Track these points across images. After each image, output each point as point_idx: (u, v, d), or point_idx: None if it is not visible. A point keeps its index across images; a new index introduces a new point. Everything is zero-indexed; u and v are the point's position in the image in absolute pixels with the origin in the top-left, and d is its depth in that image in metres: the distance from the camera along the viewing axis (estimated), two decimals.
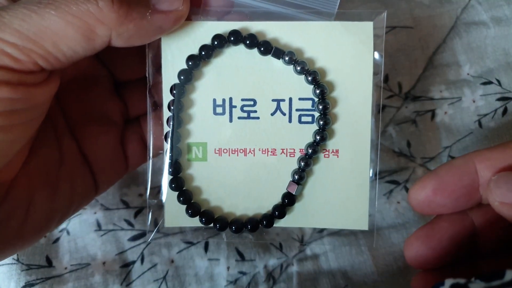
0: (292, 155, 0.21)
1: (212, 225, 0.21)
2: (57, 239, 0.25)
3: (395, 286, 0.26)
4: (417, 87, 0.31)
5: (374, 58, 0.20)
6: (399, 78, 0.31)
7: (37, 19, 0.14)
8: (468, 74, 0.31)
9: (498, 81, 0.31)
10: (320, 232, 0.28)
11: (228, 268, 0.25)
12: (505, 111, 0.31)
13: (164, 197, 0.21)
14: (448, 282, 0.17)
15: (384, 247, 0.27)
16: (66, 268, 0.24)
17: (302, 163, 0.21)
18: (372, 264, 0.27)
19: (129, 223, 0.26)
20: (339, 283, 0.26)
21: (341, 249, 0.27)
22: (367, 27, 0.20)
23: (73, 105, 0.21)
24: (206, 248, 0.26)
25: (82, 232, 0.25)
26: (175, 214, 0.21)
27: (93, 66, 0.22)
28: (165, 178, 0.21)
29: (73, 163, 0.20)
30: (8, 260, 0.24)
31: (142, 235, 0.25)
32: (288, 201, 0.21)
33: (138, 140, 0.23)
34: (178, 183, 0.21)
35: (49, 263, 0.24)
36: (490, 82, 0.31)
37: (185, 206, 0.21)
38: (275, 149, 0.21)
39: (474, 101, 0.31)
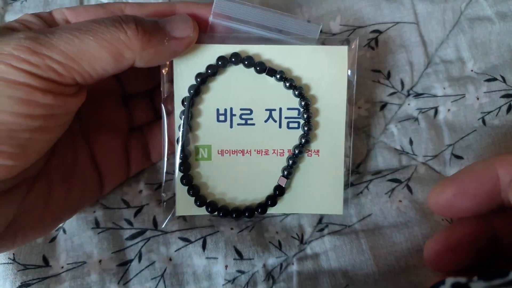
0: (282, 155, 0.26)
1: (216, 213, 0.25)
2: (54, 238, 0.25)
3: (397, 286, 0.26)
4: (420, 83, 0.31)
5: (348, 75, 0.25)
6: (402, 75, 0.31)
7: (78, 42, 0.17)
8: (472, 70, 0.31)
9: (503, 77, 0.30)
10: (321, 231, 0.27)
11: (226, 266, 0.25)
12: (509, 108, 0.30)
13: (176, 190, 0.25)
14: (449, 281, 0.17)
15: (385, 247, 0.27)
16: (62, 267, 0.24)
17: (290, 161, 0.26)
18: (374, 264, 0.26)
19: (129, 222, 0.25)
20: (340, 283, 0.26)
21: (342, 248, 0.27)
22: (342, 50, 0.25)
23: (87, 112, 0.24)
24: (204, 246, 0.25)
25: (79, 230, 0.25)
26: (185, 204, 0.25)
27: (108, 80, 0.24)
28: (177, 175, 0.25)
29: (85, 164, 0.23)
30: (3, 259, 0.24)
31: (140, 233, 0.25)
32: (279, 192, 0.26)
33: (140, 147, 0.27)
34: (188, 179, 0.25)
35: (46, 262, 0.24)
36: (494, 79, 0.30)
37: (193, 198, 0.25)
38: (268, 150, 0.26)
39: (478, 98, 0.30)
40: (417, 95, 0.30)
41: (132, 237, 0.25)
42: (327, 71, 0.25)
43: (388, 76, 0.31)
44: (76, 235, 0.25)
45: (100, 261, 0.24)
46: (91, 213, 0.25)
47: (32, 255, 0.24)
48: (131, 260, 0.25)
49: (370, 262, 0.26)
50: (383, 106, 0.30)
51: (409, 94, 0.31)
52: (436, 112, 0.30)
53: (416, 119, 0.30)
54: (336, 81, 0.25)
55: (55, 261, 0.24)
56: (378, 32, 0.31)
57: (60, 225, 0.25)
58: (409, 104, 0.30)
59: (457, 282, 0.17)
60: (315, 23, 0.25)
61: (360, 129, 0.30)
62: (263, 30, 0.24)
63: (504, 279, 0.15)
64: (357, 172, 0.29)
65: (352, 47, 0.25)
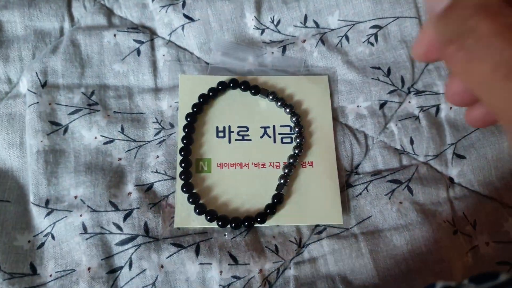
0: (278, 167, 0.27)
1: (215, 222, 0.25)
2: (42, 244, 0.24)
3: None
4: (421, 80, 0.30)
5: (331, 97, 0.29)
6: (402, 72, 0.29)
7: None
8: None
9: None
10: (319, 233, 0.26)
11: (220, 272, 0.24)
12: None
13: (176, 200, 0.25)
14: (439, 284, 0.17)
15: (385, 250, 0.26)
16: (51, 276, 0.23)
17: (286, 170, 0.27)
18: (373, 268, 0.26)
19: (118, 227, 0.24)
20: None
21: (340, 252, 0.26)
22: (324, 78, 0.30)
23: None
24: (197, 252, 0.24)
25: (67, 237, 0.24)
26: (184, 215, 0.25)
27: None
28: (178, 184, 0.26)
29: None
30: None
31: (131, 239, 0.24)
32: (277, 200, 0.26)
33: None
34: (189, 187, 0.26)
35: (34, 270, 0.23)
36: None
37: (193, 206, 0.25)
38: (264, 163, 0.27)
39: None
40: (418, 93, 0.29)
41: (122, 243, 0.24)
42: (312, 95, 0.29)
43: (388, 73, 0.30)
44: (64, 242, 0.24)
45: (89, 268, 0.23)
46: (77, 217, 0.24)
47: (18, 263, 0.23)
48: (121, 267, 0.24)
49: (370, 266, 0.26)
50: (383, 104, 0.29)
51: (409, 92, 0.30)
52: (437, 110, 0.29)
53: (417, 118, 0.29)
54: (321, 102, 0.29)
55: (43, 269, 0.23)
56: (378, 27, 0.30)
57: (49, 230, 0.24)
58: (409, 102, 0.29)
59: (448, 285, 0.17)
60: (299, 58, 0.30)
61: (359, 129, 0.29)
62: (257, 67, 0.30)
63: (494, 282, 0.15)
64: (356, 173, 0.28)
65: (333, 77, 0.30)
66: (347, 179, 0.28)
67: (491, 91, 0.12)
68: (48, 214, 0.24)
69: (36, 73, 0.28)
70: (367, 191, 0.27)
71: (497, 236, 0.27)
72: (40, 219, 0.24)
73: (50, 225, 0.24)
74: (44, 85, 0.28)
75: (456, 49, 0.13)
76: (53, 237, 0.24)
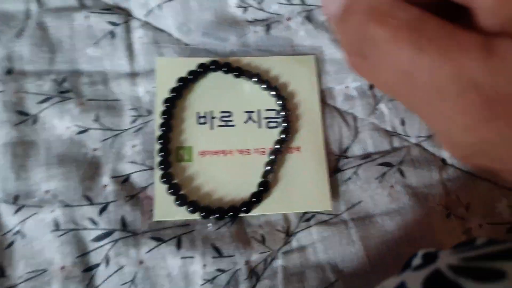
0: (263, 153, 0.26)
1: (198, 213, 0.23)
2: (11, 244, 0.22)
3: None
4: None
5: (318, 78, 0.28)
6: None
7: None
8: None
9: None
10: (307, 221, 0.25)
11: (204, 266, 0.23)
12: None
13: (155, 191, 0.24)
14: (421, 252, 0.18)
15: (377, 236, 0.25)
16: (20, 277, 0.22)
17: (272, 156, 0.26)
18: (364, 255, 0.25)
19: (93, 222, 0.23)
20: (328, 277, 0.24)
21: (330, 240, 0.25)
22: (311, 58, 0.28)
23: None
24: (178, 245, 0.23)
25: (38, 234, 0.22)
26: (164, 207, 0.24)
27: None
28: (157, 175, 0.24)
29: None
30: None
31: (107, 234, 0.23)
32: (263, 187, 0.25)
33: None
34: (168, 177, 0.24)
35: (1, 272, 0.22)
36: None
37: (174, 197, 0.24)
38: (249, 149, 0.26)
39: None
40: None
41: (98, 238, 0.23)
42: (299, 76, 0.28)
43: None
44: (35, 239, 0.22)
45: (62, 267, 0.22)
46: (48, 213, 0.23)
47: None
48: (97, 265, 0.22)
49: (361, 254, 0.25)
50: (373, 84, 0.28)
51: None
52: None
53: None
54: (308, 84, 0.28)
55: (12, 270, 0.22)
56: None
57: (18, 228, 0.23)
58: None
59: (428, 253, 0.17)
60: (284, 38, 0.29)
61: (348, 111, 0.28)
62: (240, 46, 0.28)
63: (472, 246, 0.16)
64: (345, 157, 0.27)
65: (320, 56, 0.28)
66: (336, 163, 0.27)
67: (401, 98, 0.11)
68: (17, 211, 0.23)
69: (1, 59, 0.26)
70: (357, 175, 0.26)
71: (490, 218, 0.27)
72: (8, 217, 0.23)
73: (20, 222, 0.23)
74: (9, 72, 0.26)
75: (360, 59, 0.12)
76: (22, 236, 0.23)
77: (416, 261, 0.17)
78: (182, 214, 0.24)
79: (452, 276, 0.13)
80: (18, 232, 0.23)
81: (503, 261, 0.13)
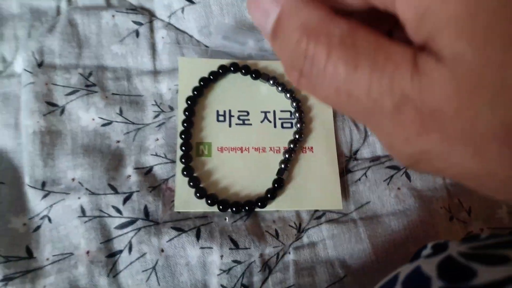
0: (278, 152, 0.27)
1: (216, 206, 0.25)
2: (38, 227, 0.23)
3: None
4: None
5: None
6: None
7: None
8: None
9: None
10: (318, 218, 0.27)
11: (221, 256, 0.24)
12: None
13: (176, 183, 0.25)
14: (430, 244, 0.19)
15: (384, 235, 0.26)
16: (48, 259, 0.23)
17: (287, 155, 0.27)
18: (372, 253, 0.26)
19: (118, 210, 0.24)
20: (337, 273, 0.25)
21: (339, 237, 0.26)
22: None
23: None
24: (198, 236, 0.24)
25: (65, 220, 0.23)
26: (184, 199, 0.25)
27: None
28: (178, 168, 0.25)
29: None
30: None
31: (131, 222, 0.24)
32: (278, 184, 0.26)
33: None
34: (189, 170, 0.25)
35: (30, 254, 0.23)
36: None
37: (194, 189, 0.25)
38: (265, 148, 0.27)
39: None
40: None
41: (121, 226, 0.24)
42: None
43: None
44: (61, 225, 0.23)
45: (88, 252, 0.23)
46: (75, 199, 0.24)
47: (14, 247, 0.23)
48: (120, 251, 0.23)
49: (369, 251, 0.26)
50: None
51: None
52: None
53: None
54: None
55: (39, 252, 0.23)
56: None
57: (45, 213, 0.24)
58: None
59: (437, 243, 0.18)
60: None
61: None
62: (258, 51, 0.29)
63: (478, 240, 0.17)
64: (354, 159, 0.28)
65: None
66: (346, 164, 0.28)
67: (344, 112, 0.11)
68: (44, 196, 0.24)
69: (32, 52, 0.27)
70: (366, 176, 0.28)
71: (491, 223, 0.28)
72: (36, 202, 0.24)
73: (47, 207, 0.24)
74: (40, 64, 0.27)
75: (298, 75, 0.11)
76: (49, 220, 0.24)
77: (426, 251, 0.19)
78: (201, 206, 0.25)
79: (463, 261, 0.15)
80: (45, 216, 0.24)
81: (506, 249, 0.15)
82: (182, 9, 0.30)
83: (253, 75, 0.28)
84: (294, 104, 0.28)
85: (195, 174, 0.25)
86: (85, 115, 0.27)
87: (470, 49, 0.08)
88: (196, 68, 0.28)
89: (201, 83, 0.28)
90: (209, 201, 0.25)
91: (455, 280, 0.14)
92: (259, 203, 0.25)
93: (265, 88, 0.29)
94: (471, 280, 0.13)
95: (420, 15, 0.09)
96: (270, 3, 0.11)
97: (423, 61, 0.09)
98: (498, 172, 0.09)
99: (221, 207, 0.25)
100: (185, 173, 0.25)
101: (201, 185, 0.25)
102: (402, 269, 0.18)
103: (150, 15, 0.30)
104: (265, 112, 0.28)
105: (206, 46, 0.30)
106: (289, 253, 0.26)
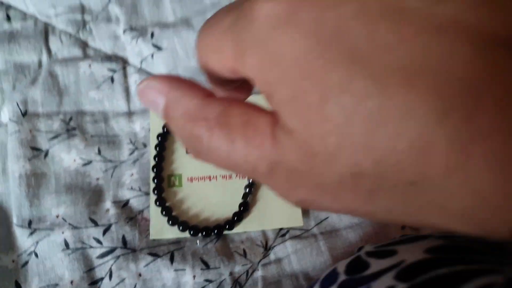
0: (243, 178, 0.30)
1: (187, 231, 0.28)
2: (26, 263, 0.26)
3: None
4: None
5: None
6: None
7: None
8: None
9: None
10: (283, 236, 0.29)
11: (194, 276, 0.27)
12: None
13: (150, 213, 0.28)
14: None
15: (342, 247, 0.29)
16: None
17: (250, 180, 0.30)
18: (332, 264, 0.29)
19: (98, 241, 0.27)
20: (301, 284, 0.28)
21: (302, 251, 0.29)
22: None
23: None
24: (172, 259, 0.27)
25: (50, 253, 0.26)
26: (159, 227, 0.28)
27: None
28: (152, 199, 0.28)
29: None
30: None
31: (110, 251, 0.26)
32: (243, 207, 0.29)
33: None
34: (162, 201, 0.28)
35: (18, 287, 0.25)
36: None
37: (166, 218, 0.28)
38: (231, 175, 0.30)
39: None
40: None
41: (102, 255, 0.26)
42: None
43: None
44: (47, 259, 0.26)
45: (71, 281, 0.25)
46: (59, 234, 0.26)
47: (4, 282, 0.25)
48: (102, 278, 0.26)
49: (329, 263, 0.29)
50: None
51: None
52: None
53: None
54: None
55: (27, 286, 0.25)
56: None
57: (32, 249, 0.26)
58: None
59: (360, 247, 0.21)
60: None
61: None
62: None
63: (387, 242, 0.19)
64: None
65: None
66: None
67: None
68: (31, 234, 0.26)
69: (17, 103, 0.30)
70: None
71: (440, 231, 0.31)
72: (23, 239, 0.26)
73: (33, 244, 0.26)
74: (24, 114, 0.30)
75: (193, 152, 0.13)
76: (36, 255, 0.26)
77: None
78: (174, 232, 0.27)
79: (364, 258, 0.18)
80: (32, 252, 0.26)
81: (397, 245, 0.18)
82: (152, 55, 0.34)
83: None
84: None
85: (167, 204, 0.28)
86: (67, 156, 0.30)
87: (301, 125, 0.10)
88: None
89: None
90: (181, 228, 0.27)
91: (354, 273, 0.17)
92: (227, 226, 0.28)
93: None
94: (365, 271, 0.16)
95: (268, 92, 0.11)
96: (156, 95, 0.13)
97: (277, 131, 0.11)
98: (359, 212, 0.11)
99: (192, 232, 0.28)
100: (158, 203, 0.28)
101: (173, 214, 0.28)
102: (325, 272, 0.21)
103: (123, 62, 0.34)
104: None
105: None
106: (258, 270, 0.28)
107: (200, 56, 0.13)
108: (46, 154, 0.29)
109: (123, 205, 0.28)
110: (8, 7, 0.34)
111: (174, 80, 0.13)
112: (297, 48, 0.10)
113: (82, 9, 0.34)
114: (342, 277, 0.18)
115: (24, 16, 0.34)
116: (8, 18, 0.33)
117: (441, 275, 0.15)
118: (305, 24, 0.10)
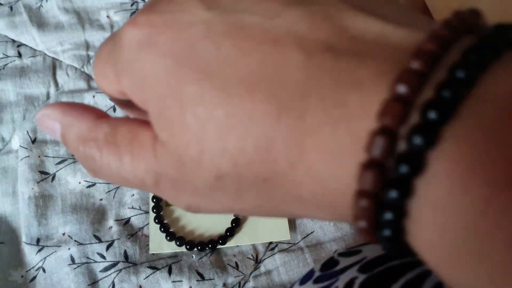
0: None
1: (184, 246, 0.30)
2: (34, 278, 0.28)
3: None
4: None
5: None
6: None
7: None
8: None
9: None
10: (272, 250, 0.32)
11: (190, 287, 0.29)
12: None
13: (150, 230, 0.30)
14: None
15: (327, 258, 0.32)
16: None
17: None
18: None
19: (102, 256, 0.29)
20: None
21: (290, 263, 0.31)
22: None
23: None
24: (170, 272, 0.29)
25: (57, 268, 0.28)
26: (157, 243, 0.30)
27: None
28: (151, 217, 0.30)
29: None
30: None
31: (113, 265, 0.29)
32: (235, 223, 0.31)
33: None
34: (160, 218, 0.30)
35: None
36: None
37: (164, 234, 0.30)
38: None
39: None
40: None
41: (105, 269, 0.28)
42: None
43: None
44: (54, 273, 0.28)
45: None
46: (66, 250, 0.29)
47: None
48: None
49: None
50: None
51: None
52: None
53: None
54: None
55: None
56: None
57: (40, 265, 0.28)
58: None
59: (340, 252, 0.24)
60: None
61: None
62: None
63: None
64: None
65: None
66: None
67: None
68: (39, 250, 0.29)
69: (27, 131, 0.33)
70: None
71: None
72: (32, 256, 0.29)
73: (41, 260, 0.28)
74: (34, 141, 0.33)
75: (90, 171, 0.14)
76: (44, 270, 0.28)
77: None
78: (171, 247, 0.30)
79: (336, 257, 0.21)
80: (40, 268, 0.28)
81: (363, 246, 0.21)
82: None
83: None
84: None
85: (165, 221, 0.31)
86: (72, 179, 0.32)
87: (169, 137, 0.11)
88: None
89: None
90: (178, 243, 0.30)
91: (326, 270, 0.20)
92: (221, 241, 0.31)
93: None
94: (335, 267, 0.19)
95: (144, 109, 0.12)
96: (52, 122, 0.14)
97: (156, 145, 0.12)
98: (236, 210, 0.12)
99: (188, 247, 0.30)
100: (156, 221, 0.30)
101: (171, 230, 0.31)
102: (305, 273, 0.24)
103: None
104: None
105: None
106: (249, 281, 0.31)
107: (97, 83, 0.14)
108: (53, 177, 0.32)
109: (125, 223, 0.31)
110: (20, 45, 0.37)
111: (67, 106, 0.14)
112: (158, 68, 0.11)
113: (87, 45, 0.38)
114: (317, 274, 0.21)
115: (34, 52, 0.37)
116: (20, 54, 0.37)
117: (394, 266, 0.18)
118: (163, 46, 0.11)
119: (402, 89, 0.09)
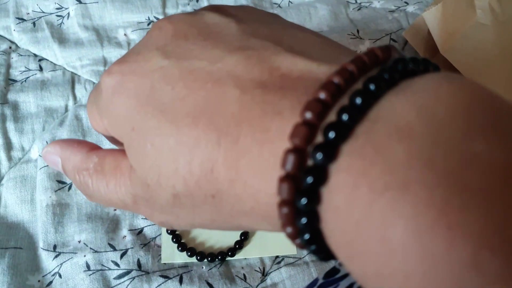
0: None
1: (194, 257, 0.31)
2: (50, 283, 0.29)
3: None
4: None
5: None
6: None
7: None
8: None
9: None
10: (278, 263, 0.33)
11: None
12: None
13: (162, 240, 0.31)
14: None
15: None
16: None
17: None
18: None
19: (116, 264, 0.30)
20: None
21: (296, 277, 0.33)
22: None
23: None
24: (181, 281, 0.30)
25: (73, 274, 0.29)
26: (169, 253, 0.31)
27: None
28: (163, 228, 0.31)
29: None
30: None
31: (127, 273, 0.30)
32: (244, 237, 0.32)
33: None
34: (172, 230, 0.31)
35: None
36: None
37: (176, 244, 0.31)
38: None
39: None
40: None
41: (119, 276, 0.29)
42: None
43: None
44: (70, 279, 0.29)
45: None
46: (82, 257, 0.30)
47: None
48: None
49: None
50: None
51: None
52: None
53: None
54: None
55: None
56: None
57: (56, 270, 0.29)
58: None
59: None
60: None
61: None
62: None
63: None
64: None
65: None
66: None
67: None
68: (56, 256, 0.30)
69: (46, 142, 0.34)
70: None
71: None
72: (48, 262, 0.30)
73: (58, 265, 0.29)
74: None
75: (86, 196, 0.17)
76: (60, 276, 0.29)
77: None
78: (183, 257, 0.31)
79: (338, 266, 0.22)
80: (56, 273, 0.29)
81: None
82: None
83: None
84: None
85: (177, 232, 0.32)
86: None
87: (137, 165, 0.14)
88: None
89: None
90: (189, 253, 0.31)
91: (328, 277, 0.21)
92: (230, 253, 0.32)
93: None
94: (337, 275, 0.21)
95: (122, 143, 0.15)
96: (54, 157, 0.17)
97: (131, 171, 0.14)
98: (197, 225, 0.15)
99: (199, 257, 0.31)
100: (169, 232, 0.32)
101: (182, 241, 0.32)
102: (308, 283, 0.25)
103: None
104: None
105: None
106: None
107: (90, 123, 0.17)
108: (70, 187, 0.33)
109: (138, 233, 0.32)
110: (41, 59, 0.39)
111: (64, 143, 0.17)
112: (126, 108, 0.13)
113: (104, 62, 0.40)
114: (320, 281, 0.22)
115: (54, 67, 0.39)
116: (41, 68, 0.39)
117: None
118: (130, 89, 0.14)
119: (308, 115, 0.10)
